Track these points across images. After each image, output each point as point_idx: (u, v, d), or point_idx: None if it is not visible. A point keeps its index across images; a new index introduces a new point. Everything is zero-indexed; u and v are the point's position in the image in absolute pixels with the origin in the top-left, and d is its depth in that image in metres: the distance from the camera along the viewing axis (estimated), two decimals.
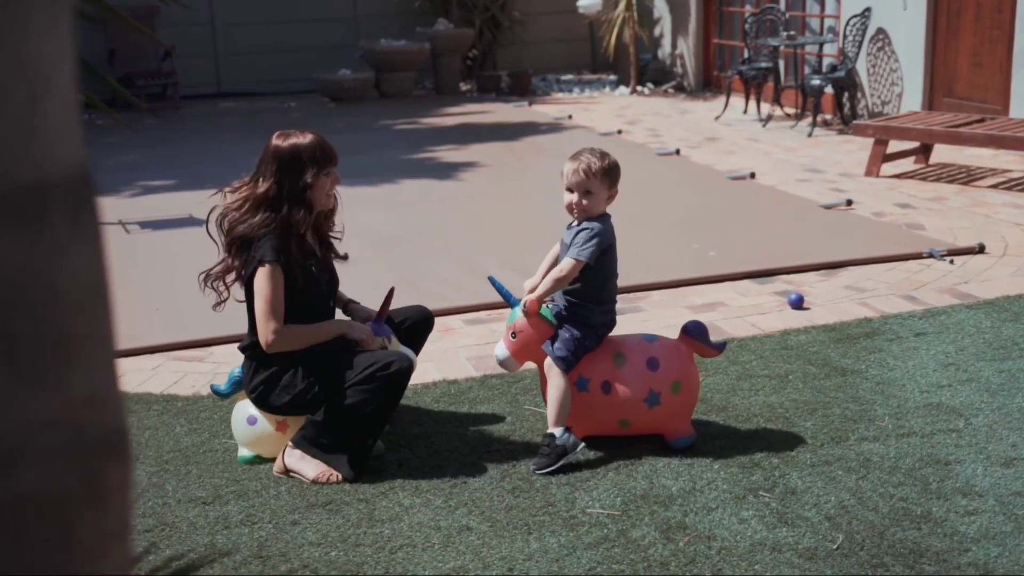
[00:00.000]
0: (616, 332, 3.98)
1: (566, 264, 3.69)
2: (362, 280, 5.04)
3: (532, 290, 3.83)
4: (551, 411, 3.71)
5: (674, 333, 3.96)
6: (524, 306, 3.74)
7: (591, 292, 3.75)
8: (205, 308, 4.41)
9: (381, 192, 8.20)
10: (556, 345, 3.72)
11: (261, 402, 3.71)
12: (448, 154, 9.65)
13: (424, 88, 14.02)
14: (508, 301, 3.90)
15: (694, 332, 3.84)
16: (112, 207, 7.93)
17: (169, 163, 9.49)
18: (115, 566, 0.93)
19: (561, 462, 3.66)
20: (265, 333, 3.59)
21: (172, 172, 9.08)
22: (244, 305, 3.74)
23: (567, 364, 3.71)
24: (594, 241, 3.67)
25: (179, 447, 3.97)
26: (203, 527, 3.38)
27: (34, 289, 0.83)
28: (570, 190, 3.73)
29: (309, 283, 3.70)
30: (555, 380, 3.71)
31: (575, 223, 3.78)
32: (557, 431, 3.68)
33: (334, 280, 3.90)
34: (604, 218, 3.77)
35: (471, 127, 11.11)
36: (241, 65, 13.80)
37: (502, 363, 3.82)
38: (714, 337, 4.77)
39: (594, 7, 13.46)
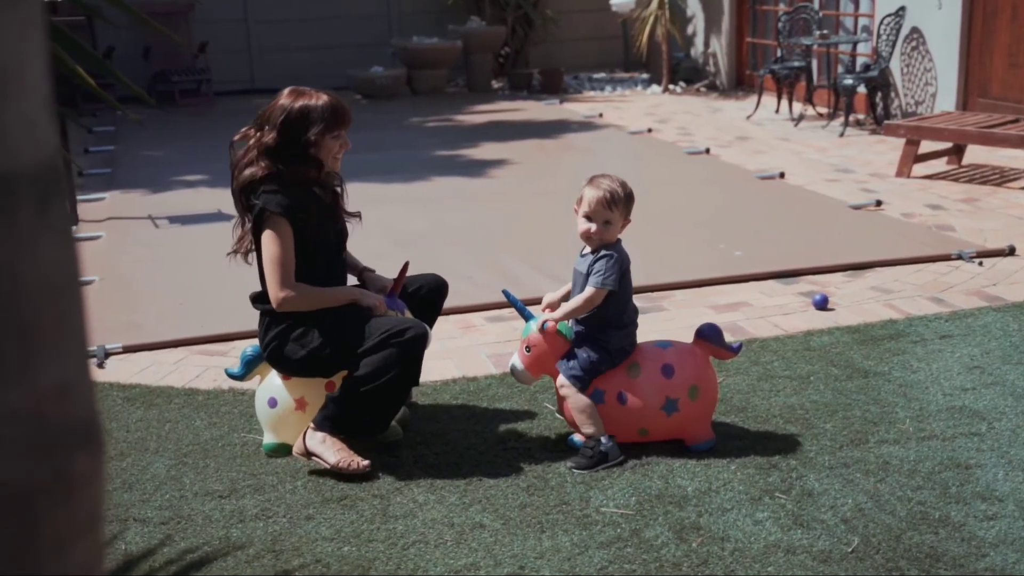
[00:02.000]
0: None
1: (589, 292, 3.66)
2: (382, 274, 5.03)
3: (550, 306, 3.82)
4: (587, 428, 3.69)
5: (693, 334, 3.94)
6: (542, 326, 3.72)
7: (611, 317, 3.74)
8: (228, 303, 4.48)
9: (410, 189, 8.22)
10: (570, 364, 3.71)
11: (276, 357, 3.68)
12: (478, 151, 9.66)
13: (456, 85, 14.04)
14: (522, 315, 3.88)
15: (708, 335, 3.82)
16: (142, 202, 8.01)
17: (200, 159, 9.55)
18: (84, 558, 0.93)
19: (599, 468, 3.65)
20: (275, 292, 3.56)
21: (203, 167, 9.14)
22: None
23: (581, 383, 3.70)
24: (614, 267, 3.67)
25: (198, 440, 4.00)
26: (218, 520, 3.40)
27: None
28: (589, 218, 3.71)
29: (317, 234, 3.66)
30: (574, 400, 3.70)
31: (587, 251, 3.77)
32: (604, 438, 3.68)
33: (343, 232, 3.87)
34: (618, 243, 3.76)
35: (502, 124, 11.11)
36: (274, 62, 13.87)
37: (517, 376, 3.82)
38: (736, 337, 4.76)
39: (627, 5, 13.42)
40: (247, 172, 3.66)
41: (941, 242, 6.27)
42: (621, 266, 3.70)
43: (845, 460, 3.68)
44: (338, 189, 3.88)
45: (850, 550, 3.12)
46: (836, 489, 3.48)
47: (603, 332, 3.73)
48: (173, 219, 7.43)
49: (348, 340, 3.59)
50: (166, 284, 5.94)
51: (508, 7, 14.10)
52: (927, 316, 5.09)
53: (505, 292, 3.97)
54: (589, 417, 3.69)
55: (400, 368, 3.56)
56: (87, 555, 0.93)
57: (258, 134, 3.68)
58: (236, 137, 3.78)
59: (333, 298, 3.68)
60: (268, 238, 3.59)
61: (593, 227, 3.70)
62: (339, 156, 3.76)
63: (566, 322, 3.76)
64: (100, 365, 4.77)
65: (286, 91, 3.73)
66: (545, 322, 3.72)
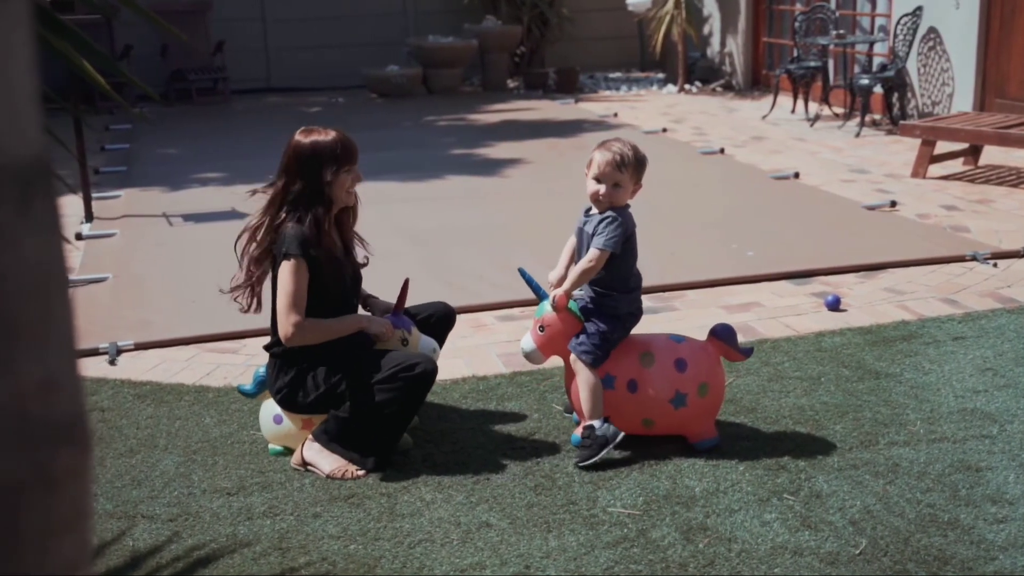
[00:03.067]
0: (646, 331, 3.96)
1: (592, 254, 3.67)
2: (397, 275, 5.03)
3: (557, 283, 3.82)
4: (586, 406, 3.69)
5: (705, 334, 3.92)
6: (553, 300, 3.73)
7: (616, 281, 3.74)
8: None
9: (423, 187, 8.23)
10: (581, 340, 3.71)
11: (287, 403, 3.72)
12: (491, 151, 9.66)
13: (471, 84, 14.04)
14: (537, 294, 3.88)
15: (722, 335, 3.80)
16: (157, 200, 8.04)
17: (216, 157, 9.58)
18: (68, 555, 0.93)
19: (603, 452, 3.63)
20: (285, 326, 3.60)
21: (219, 165, 9.17)
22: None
23: (595, 359, 3.69)
24: (618, 230, 3.66)
25: (208, 438, 4.01)
26: (226, 518, 3.41)
27: None
28: (598, 180, 3.70)
29: (334, 277, 3.71)
30: (584, 375, 3.70)
31: (592, 210, 3.76)
32: (596, 422, 3.66)
33: (357, 277, 3.91)
34: (624, 207, 3.75)
35: (516, 124, 11.10)
36: (291, 60, 13.90)
37: (528, 355, 3.82)
38: (746, 338, 4.75)
39: (643, 4, 13.39)
40: (272, 220, 3.69)
41: (955, 243, 6.24)
42: (626, 230, 3.69)
43: (854, 462, 3.66)
44: (357, 236, 3.93)
45: (858, 552, 3.11)
46: (845, 491, 3.46)
47: (611, 298, 3.74)
48: (187, 217, 7.45)
49: (358, 376, 3.61)
50: (179, 281, 5.96)
51: (524, 6, 14.09)
52: (940, 317, 5.06)
53: (520, 270, 3.97)
54: (592, 396, 3.67)
55: (406, 400, 3.58)
56: (71, 552, 0.93)
57: (281, 183, 3.70)
58: (259, 188, 3.84)
59: (341, 328, 3.70)
60: (283, 275, 3.61)
61: (602, 188, 3.69)
62: (352, 190, 3.79)
63: (574, 301, 3.75)
64: (112, 362, 4.78)
65: (297, 133, 3.75)
66: (554, 296, 3.72)
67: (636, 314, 3.81)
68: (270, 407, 3.82)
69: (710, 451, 3.75)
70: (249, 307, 3.82)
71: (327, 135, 3.72)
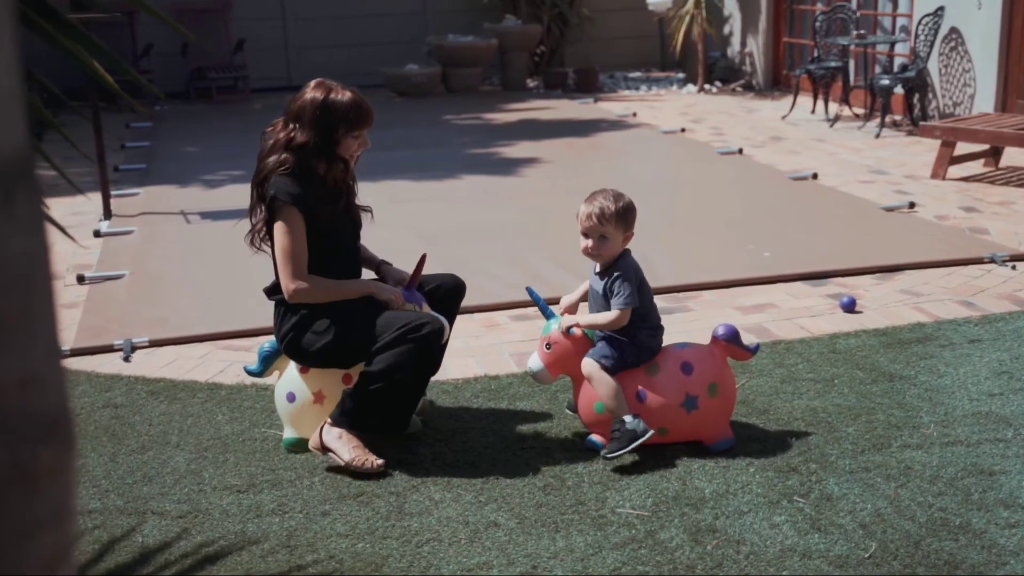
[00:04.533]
0: None
1: (615, 314, 3.66)
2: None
3: (568, 309, 3.82)
4: (612, 408, 3.66)
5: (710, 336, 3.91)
6: (567, 330, 3.72)
7: (639, 331, 3.73)
8: (254, 298, 4.49)
9: (440, 186, 8.23)
10: (599, 347, 3.70)
11: (293, 348, 3.67)
12: (509, 150, 9.65)
13: (491, 84, 14.04)
14: (544, 313, 3.87)
15: (725, 335, 3.80)
16: (175, 197, 8.07)
17: (235, 155, 9.60)
18: (48, 553, 0.93)
19: (632, 446, 3.61)
20: (287, 283, 3.56)
21: (238, 164, 9.19)
22: None
23: (613, 364, 3.68)
24: (630, 286, 3.66)
25: (219, 435, 4.02)
26: (235, 515, 3.41)
27: None
28: (585, 235, 3.70)
29: (330, 225, 3.66)
30: (601, 380, 3.67)
31: (597, 268, 3.77)
32: (627, 417, 3.64)
33: (357, 225, 3.86)
34: (625, 256, 3.75)
35: (534, 123, 11.09)
36: (311, 59, 13.93)
37: (535, 375, 3.80)
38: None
39: (663, 4, 13.37)
40: (268, 162, 3.68)
41: (974, 245, 6.19)
42: (634, 280, 3.70)
43: (866, 464, 3.64)
44: (351, 182, 3.87)
45: (867, 556, 3.09)
46: (856, 494, 3.44)
47: (629, 334, 3.73)
48: (205, 215, 7.48)
49: (365, 333, 3.58)
50: (194, 279, 5.98)
51: (544, 6, 14.08)
52: (956, 320, 5.02)
53: (529, 290, 3.97)
54: (615, 397, 3.65)
55: (415, 364, 3.56)
56: (51, 550, 0.93)
57: (288, 130, 3.68)
58: (268, 128, 3.79)
59: (348, 291, 3.68)
60: (280, 229, 3.59)
61: (590, 243, 3.70)
62: (357, 154, 3.76)
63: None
64: (126, 359, 4.81)
65: (312, 84, 3.70)
66: (571, 327, 3.72)
67: (654, 350, 3.77)
68: (284, 385, 3.81)
69: (726, 452, 3.73)
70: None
71: (343, 94, 3.67)
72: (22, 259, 0.89)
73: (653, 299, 3.84)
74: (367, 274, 3.97)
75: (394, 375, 3.54)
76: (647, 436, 3.62)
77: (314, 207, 3.61)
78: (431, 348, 3.58)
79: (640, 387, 3.71)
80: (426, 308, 3.78)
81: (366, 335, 3.58)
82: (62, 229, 2.35)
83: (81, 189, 4.43)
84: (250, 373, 3.94)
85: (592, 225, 3.67)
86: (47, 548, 0.93)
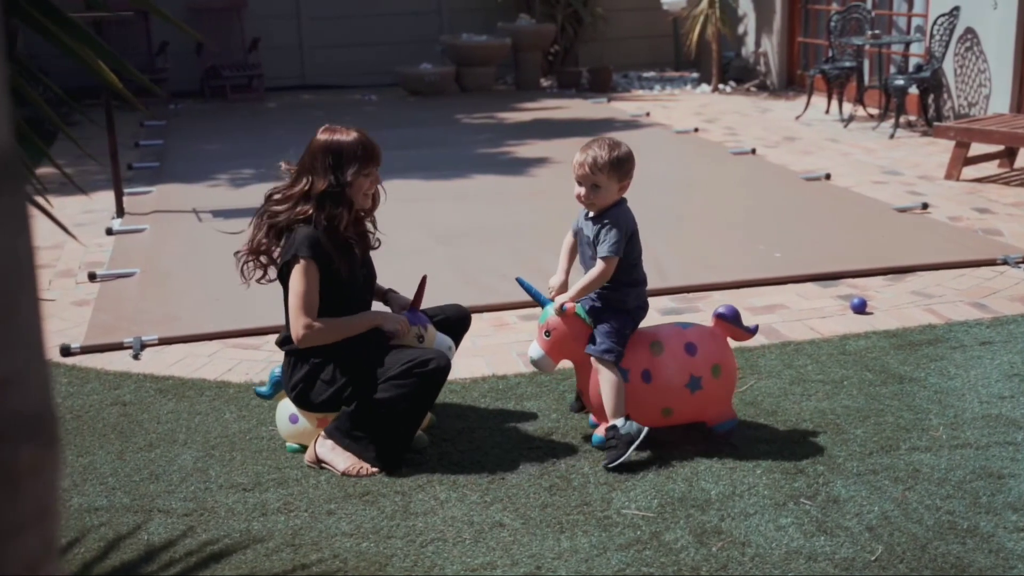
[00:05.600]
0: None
1: (599, 266, 3.67)
2: (421, 272, 5.04)
3: (559, 289, 3.81)
4: (608, 405, 3.67)
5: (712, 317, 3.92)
6: (561, 308, 3.71)
7: (623, 277, 3.73)
8: (261, 297, 4.49)
9: (451, 185, 8.23)
10: (599, 341, 3.70)
11: (301, 400, 3.72)
12: (521, 149, 9.65)
13: (505, 83, 14.03)
14: (538, 301, 3.87)
15: (727, 316, 3.81)
16: (188, 196, 8.08)
17: (249, 153, 9.63)
18: (30, 553, 0.93)
19: (631, 450, 3.62)
20: (296, 327, 3.60)
21: (251, 162, 9.22)
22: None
23: (616, 356, 3.68)
24: (618, 234, 3.65)
25: (226, 433, 4.03)
26: (241, 513, 3.42)
27: None
28: (579, 183, 3.70)
29: (346, 277, 3.70)
30: (606, 374, 3.68)
31: (590, 213, 3.74)
32: (619, 421, 3.65)
33: (371, 275, 3.90)
34: (619, 205, 3.73)
35: (547, 123, 11.08)
36: (324, 58, 13.96)
37: (536, 363, 3.79)
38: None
39: (678, 3, 13.33)
40: (279, 218, 3.70)
41: (987, 246, 6.15)
42: (624, 230, 3.68)
43: (874, 467, 3.62)
44: (370, 230, 3.90)
45: (873, 559, 3.07)
46: (863, 496, 3.42)
47: (618, 292, 3.73)
48: (216, 213, 7.49)
49: (372, 373, 3.60)
50: (205, 277, 5.99)
51: (558, 5, 14.06)
52: (968, 322, 4.99)
53: (519, 279, 3.96)
54: (616, 395, 3.66)
55: (420, 396, 3.58)
56: (34, 550, 0.93)
57: (303, 183, 3.69)
58: (275, 187, 3.83)
59: (355, 326, 3.69)
60: (295, 276, 3.62)
61: (582, 191, 3.70)
62: (369, 193, 3.78)
63: (580, 305, 3.74)
64: (136, 356, 4.82)
65: (319, 131, 3.75)
66: (563, 304, 3.71)
67: (643, 307, 3.82)
68: (286, 407, 3.84)
69: (729, 434, 3.77)
70: (247, 280, 3.82)
71: (349, 135, 3.71)
72: (5, 258, 0.89)
73: (641, 257, 3.81)
74: (375, 305, 3.98)
75: (395, 406, 3.57)
76: (642, 435, 3.63)
77: (334, 260, 3.64)
78: (435, 383, 3.60)
79: (645, 367, 3.71)
80: (431, 329, 3.83)
81: (374, 374, 3.60)
82: (64, 228, 2.36)
83: (83, 189, 4.45)
84: (260, 395, 3.97)
85: (584, 174, 3.67)
86: (30, 548, 0.92)
